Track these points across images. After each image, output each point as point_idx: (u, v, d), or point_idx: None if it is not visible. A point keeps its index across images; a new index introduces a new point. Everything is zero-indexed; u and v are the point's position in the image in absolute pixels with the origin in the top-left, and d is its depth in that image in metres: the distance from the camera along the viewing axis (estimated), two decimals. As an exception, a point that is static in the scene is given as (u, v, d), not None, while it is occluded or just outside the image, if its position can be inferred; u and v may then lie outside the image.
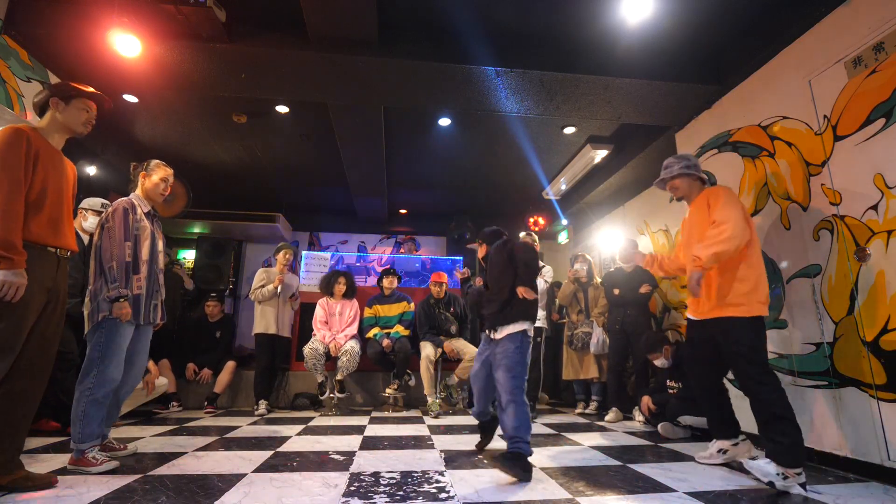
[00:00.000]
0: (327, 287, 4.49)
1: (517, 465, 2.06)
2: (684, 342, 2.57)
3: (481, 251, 2.71)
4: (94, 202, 3.29)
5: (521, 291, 2.29)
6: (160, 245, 2.49)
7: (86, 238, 3.26)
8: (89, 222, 3.25)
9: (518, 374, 2.25)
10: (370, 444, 2.80)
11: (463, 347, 4.30)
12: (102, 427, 2.21)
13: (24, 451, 1.96)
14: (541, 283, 3.96)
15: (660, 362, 3.42)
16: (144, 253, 2.36)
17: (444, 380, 4.39)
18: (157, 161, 2.50)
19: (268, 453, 2.52)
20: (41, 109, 2.01)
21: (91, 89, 2.08)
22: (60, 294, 1.99)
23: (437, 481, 2.01)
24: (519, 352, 2.30)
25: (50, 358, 1.96)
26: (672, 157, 2.54)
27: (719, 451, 2.38)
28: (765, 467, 2.00)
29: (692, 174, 2.46)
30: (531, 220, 6.47)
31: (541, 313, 3.97)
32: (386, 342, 4.22)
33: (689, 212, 2.55)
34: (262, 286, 4.29)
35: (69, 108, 2.00)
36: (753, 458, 2.15)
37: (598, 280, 4.55)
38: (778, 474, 1.96)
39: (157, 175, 2.46)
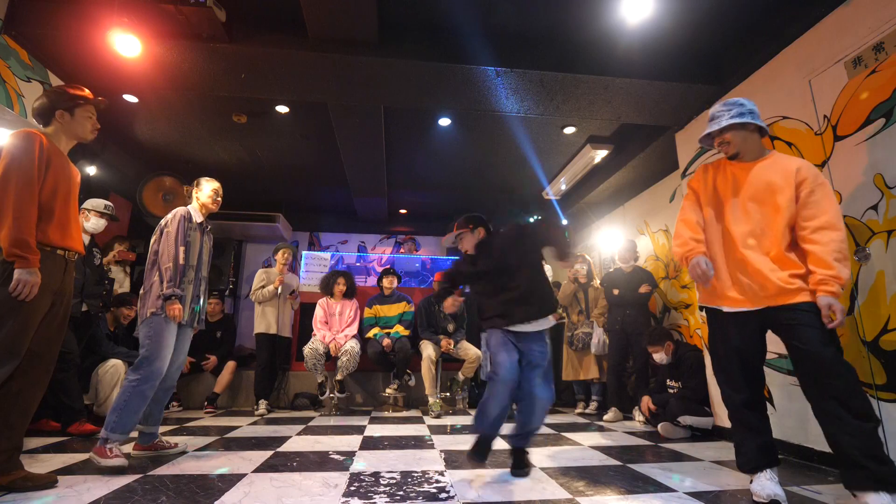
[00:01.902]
0: (327, 287, 4.50)
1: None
2: (714, 342, 1.99)
3: (477, 235, 2.33)
4: (97, 203, 3.29)
5: (566, 265, 2.18)
6: (206, 255, 2.65)
7: (86, 239, 3.27)
8: (91, 223, 3.26)
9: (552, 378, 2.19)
10: (370, 444, 2.80)
11: (465, 349, 4.31)
12: (136, 423, 2.28)
13: (23, 451, 1.96)
14: None
15: (659, 356, 3.41)
16: (193, 259, 2.52)
17: (451, 377, 4.42)
18: (206, 178, 2.72)
19: (268, 453, 2.52)
20: (43, 117, 2.01)
21: (88, 93, 2.08)
22: (66, 296, 2.01)
23: (437, 481, 2.01)
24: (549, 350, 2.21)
25: (52, 358, 1.97)
26: (719, 105, 1.99)
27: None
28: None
29: (747, 123, 1.90)
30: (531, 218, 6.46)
31: None
32: (386, 342, 4.23)
33: (737, 167, 1.96)
34: (263, 287, 4.30)
35: (75, 118, 2.03)
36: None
37: (598, 282, 4.56)
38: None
39: (207, 187, 2.67)
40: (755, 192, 1.89)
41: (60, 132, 2.02)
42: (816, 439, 2.43)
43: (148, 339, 2.30)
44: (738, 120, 1.91)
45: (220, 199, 2.72)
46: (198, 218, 2.61)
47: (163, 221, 2.50)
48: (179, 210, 2.54)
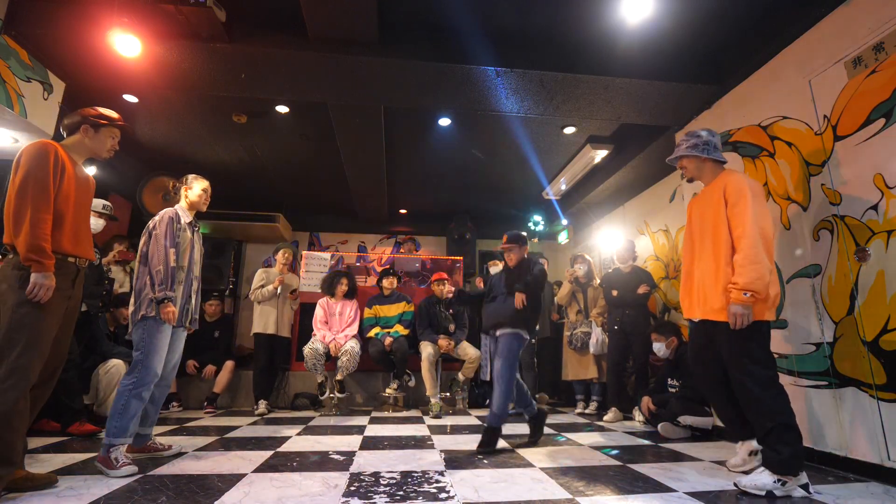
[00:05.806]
0: (329, 287, 4.50)
1: None
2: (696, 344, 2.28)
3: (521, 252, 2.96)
4: (95, 203, 3.28)
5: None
6: (198, 254, 2.64)
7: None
8: (90, 224, 3.25)
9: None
10: (370, 444, 2.80)
11: (464, 349, 4.31)
12: (136, 426, 2.29)
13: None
14: None
15: (658, 346, 3.42)
16: (184, 260, 2.52)
17: (451, 378, 4.42)
18: (195, 175, 2.69)
19: (268, 453, 2.52)
20: (70, 131, 2.11)
21: (116, 116, 2.19)
22: (76, 302, 2.07)
23: (438, 481, 2.01)
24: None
25: (60, 361, 2.02)
26: (684, 134, 2.32)
27: (751, 453, 2.17)
28: (760, 480, 1.91)
29: (697, 156, 2.23)
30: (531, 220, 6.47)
31: None
32: (388, 340, 4.23)
33: (702, 191, 2.31)
34: (262, 286, 4.30)
35: (98, 135, 2.14)
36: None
37: (597, 282, 4.56)
38: (776, 481, 1.88)
39: (197, 186, 2.65)
40: (700, 213, 2.25)
41: (80, 144, 2.11)
42: (817, 439, 2.43)
43: (142, 343, 2.31)
44: (690, 152, 2.24)
45: (209, 198, 2.69)
46: (186, 218, 2.58)
47: (151, 223, 2.48)
48: (167, 211, 2.53)
